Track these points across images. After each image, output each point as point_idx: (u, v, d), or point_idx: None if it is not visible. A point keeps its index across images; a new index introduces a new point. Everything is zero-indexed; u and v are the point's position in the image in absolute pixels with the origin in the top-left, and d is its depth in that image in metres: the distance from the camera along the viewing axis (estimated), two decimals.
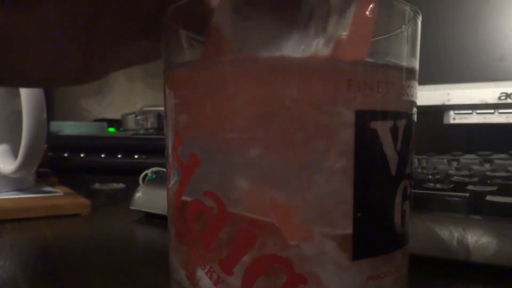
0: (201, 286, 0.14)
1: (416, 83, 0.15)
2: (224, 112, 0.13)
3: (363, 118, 0.13)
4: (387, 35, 0.15)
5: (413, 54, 0.15)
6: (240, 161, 0.13)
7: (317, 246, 0.13)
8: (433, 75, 0.53)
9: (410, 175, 0.15)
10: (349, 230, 0.13)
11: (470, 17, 0.51)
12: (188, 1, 0.15)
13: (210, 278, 0.14)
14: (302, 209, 0.13)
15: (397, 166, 0.14)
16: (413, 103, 0.15)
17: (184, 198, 0.15)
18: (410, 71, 0.15)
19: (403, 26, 0.15)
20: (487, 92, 0.50)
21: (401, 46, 0.15)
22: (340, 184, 0.13)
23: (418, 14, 0.15)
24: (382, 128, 0.14)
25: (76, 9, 0.18)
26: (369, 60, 0.14)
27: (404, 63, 0.15)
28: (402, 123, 0.14)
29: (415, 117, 0.15)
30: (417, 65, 0.16)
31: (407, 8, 0.15)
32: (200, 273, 0.14)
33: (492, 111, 0.50)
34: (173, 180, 0.15)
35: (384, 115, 0.14)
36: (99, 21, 0.19)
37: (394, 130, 0.14)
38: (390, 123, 0.14)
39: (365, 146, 0.13)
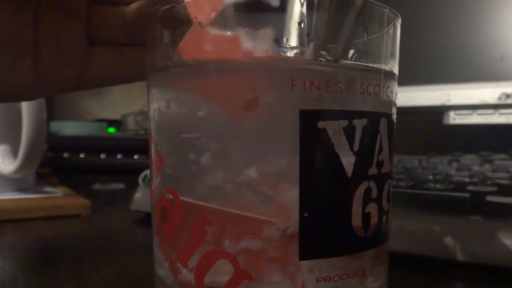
0: (167, 276, 0.15)
1: (389, 82, 0.15)
2: (178, 113, 0.14)
3: (309, 118, 0.13)
4: (362, 39, 0.15)
5: (380, 54, 0.15)
6: (193, 159, 0.14)
7: (262, 243, 0.13)
8: (433, 75, 0.52)
9: (378, 176, 0.14)
10: (295, 230, 0.13)
11: (470, 17, 0.51)
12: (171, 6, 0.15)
13: (172, 269, 0.15)
14: (248, 205, 0.13)
15: (354, 167, 0.14)
16: (382, 102, 0.15)
17: (154, 195, 0.16)
18: (374, 71, 0.15)
19: (382, 29, 0.15)
20: (487, 92, 0.50)
21: (371, 47, 0.15)
22: (286, 183, 0.13)
23: (397, 17, 0.15)
24: (333, 128, 0.13)
25: (21, 11, 0.19)
26: (315, 59, 0.14)
27: (366, 64, 0.15)
28: (361, 123, 0.14)
29: (391, 117, 0.15)
30: (389, 65, 0.15)
31: (386, 11, 0.15)
32: (166, 264, 0.15)
33: (492, 111, 0.50)
34: (153, 180, 0.16)
35: (335, 114, 0.13)
36: (41, 21, 0.20)
37: (349, 130, 0.13)
38: (343, 122, 0.13)
39: (312, 146, 0.13)
